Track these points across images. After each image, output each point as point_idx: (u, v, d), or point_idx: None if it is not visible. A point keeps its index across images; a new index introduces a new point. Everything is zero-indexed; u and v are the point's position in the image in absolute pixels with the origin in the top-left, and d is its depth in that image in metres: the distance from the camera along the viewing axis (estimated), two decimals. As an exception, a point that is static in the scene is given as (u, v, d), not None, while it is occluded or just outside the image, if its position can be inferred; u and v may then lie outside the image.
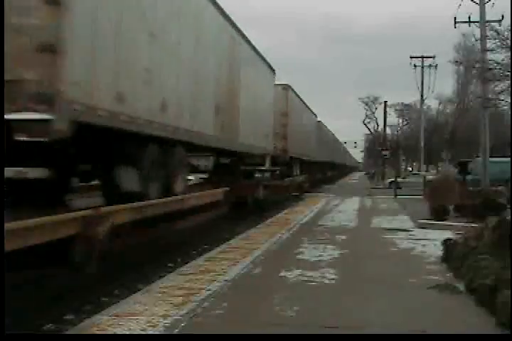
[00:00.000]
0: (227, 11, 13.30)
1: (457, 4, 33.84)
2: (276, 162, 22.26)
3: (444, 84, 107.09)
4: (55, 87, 6.08)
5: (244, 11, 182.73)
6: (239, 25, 14.72)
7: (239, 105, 15.14)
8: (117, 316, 5.66)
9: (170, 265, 10.09)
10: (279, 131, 22.89)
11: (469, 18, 24.09)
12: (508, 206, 14.38)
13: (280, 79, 23.73)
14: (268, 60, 19.43)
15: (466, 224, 12.97)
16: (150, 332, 5.17)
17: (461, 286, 6.99)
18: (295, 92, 27.36)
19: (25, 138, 6.04)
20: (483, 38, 20.24)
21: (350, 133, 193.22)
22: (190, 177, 13.48)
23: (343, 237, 12.18)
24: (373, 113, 77.44)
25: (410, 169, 64.90)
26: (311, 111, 36.03)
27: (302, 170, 30.40)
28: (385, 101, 48.67)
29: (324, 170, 47.42)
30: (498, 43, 16.72)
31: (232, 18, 13.94)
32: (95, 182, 9.53)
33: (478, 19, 22.41)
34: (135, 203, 8.51)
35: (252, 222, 15.54)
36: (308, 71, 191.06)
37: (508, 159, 21.02)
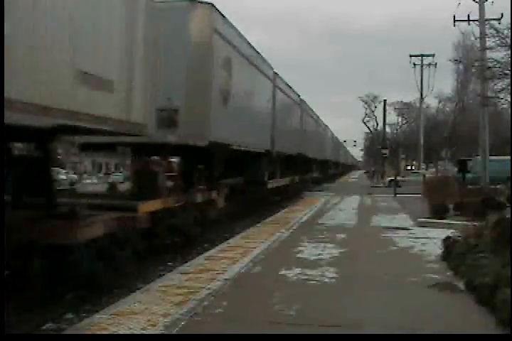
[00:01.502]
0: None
1: (457, 3, 33.88)
2: None
3: (443, 83, 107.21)
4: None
5: (245, 11, 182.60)
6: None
7: None
8: (117, 315, 5.66)
9: (170, 264, 10.08)
10: None
11: (468, 16, 24.06)
12: (508, 204, 14.38)
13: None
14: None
15: (466, 223, 12.96)
16: (150, 331, 5.16)
17: (461, 285, 6.99)
18: None
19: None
20: (483, 36, 20.23)
21: (350, 132, 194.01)
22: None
23: (343, 236, 12.18)
24: (373, 112, 77.68)
25: (409, 167, 64.84)
26: None
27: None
28: (385, 100, 48.64)
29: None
30: (498, 41, 16.71)
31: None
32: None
33: (477, 17, 22.41)
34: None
35: (251, 221, 15.54)
36: (309, 70, 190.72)
37: (508, 158, 21.04)
